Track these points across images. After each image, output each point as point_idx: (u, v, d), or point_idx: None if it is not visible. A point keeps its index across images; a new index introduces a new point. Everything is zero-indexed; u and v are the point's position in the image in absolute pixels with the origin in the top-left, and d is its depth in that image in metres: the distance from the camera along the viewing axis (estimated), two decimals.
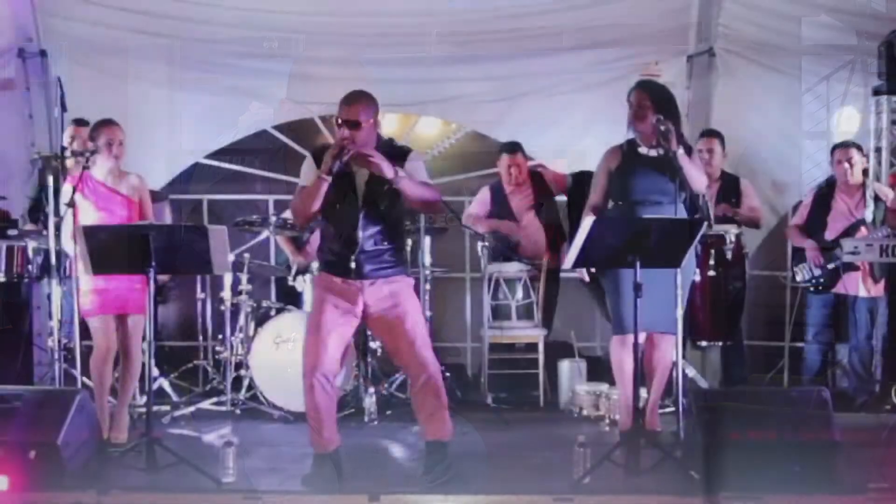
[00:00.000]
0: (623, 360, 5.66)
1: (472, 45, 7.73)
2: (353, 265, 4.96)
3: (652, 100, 5.66)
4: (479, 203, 7.63)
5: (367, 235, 4.95)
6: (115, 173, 5.92)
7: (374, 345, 6.79)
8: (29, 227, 6.85)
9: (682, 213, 5.52)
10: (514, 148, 7.56)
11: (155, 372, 6.68)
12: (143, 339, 5.97)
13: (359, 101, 4.96)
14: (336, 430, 5.03)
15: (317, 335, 4.95)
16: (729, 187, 7.23)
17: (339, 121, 4.93)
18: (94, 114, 6.11)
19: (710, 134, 7.30)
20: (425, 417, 5.06)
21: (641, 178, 5.65)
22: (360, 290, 4.99)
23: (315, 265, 6.94)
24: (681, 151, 5.47)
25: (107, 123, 5.92)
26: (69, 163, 6.16)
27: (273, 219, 6.97)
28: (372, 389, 6.64)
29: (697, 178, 5.59)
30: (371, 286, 4.99)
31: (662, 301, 5.41)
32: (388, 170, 4.82)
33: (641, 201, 5.63)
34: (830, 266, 7.04)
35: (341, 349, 5.04)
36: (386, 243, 4.99)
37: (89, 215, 5.75)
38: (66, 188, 5.75)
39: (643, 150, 5.72)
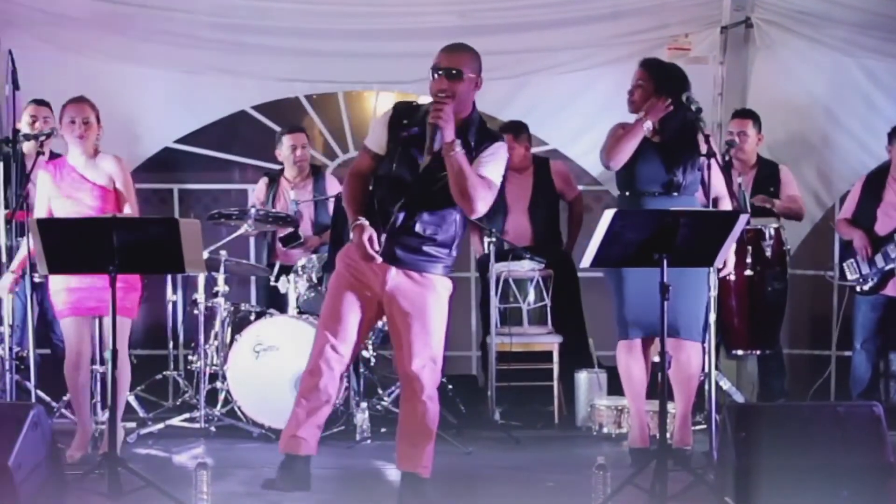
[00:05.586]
0: (631, 368, 5.70)
1: (477, 15, 7.70)
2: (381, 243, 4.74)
3: (653, 79, 5.71)
4: None
5: (407, 215, 4.72)
6: (87, 156, 5.92)
7: (366, 353, 6.80)
8: None
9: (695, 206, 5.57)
10: (520, 130, 7.57)
11: None
12: (129, 345, 5.98)
13: (464, 52, 4.84)
14: (317, 436, 4.85)
15: (330, 319, 4.78)
16: (766, 175, 7.26)
17: (438, 70, 4.76)
18: (49, 92, 6.12)
19: (743, 115, 7.31)
20: (404, 442, 4.85)
21: (646, 165, 5.68)
22: (384, 275, 4.75)
23: (301, 263, 6.96)
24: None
25: (72, 101, 5.92)
26: (26, 147, 6.16)
27: (252, 211, 6.97)
28: (364, 404, 6.65)
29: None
30: (398, 276, 4.75)
31: (679, 303, 5.41)
32: (448, 131, 4.64)
33: (646, 192, 5.66)
34: (882, 265, 7.03)
35: (357, 338, 4.81)
36: (428, 232, 4.75)
37: (57, 203, 5.81)
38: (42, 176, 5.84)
39: (648, 135, 5.76)
